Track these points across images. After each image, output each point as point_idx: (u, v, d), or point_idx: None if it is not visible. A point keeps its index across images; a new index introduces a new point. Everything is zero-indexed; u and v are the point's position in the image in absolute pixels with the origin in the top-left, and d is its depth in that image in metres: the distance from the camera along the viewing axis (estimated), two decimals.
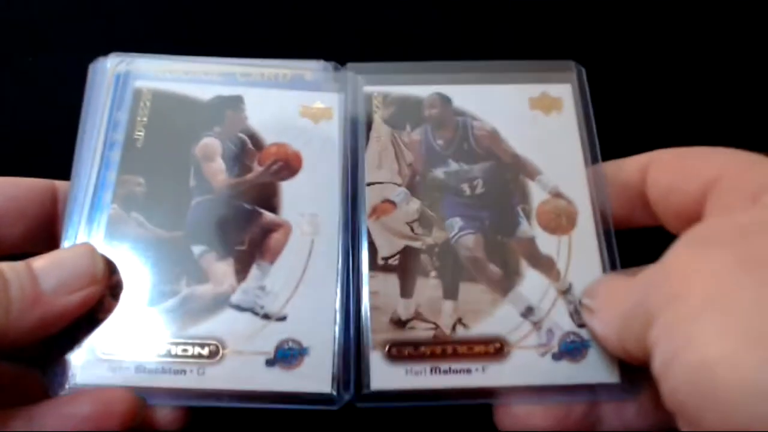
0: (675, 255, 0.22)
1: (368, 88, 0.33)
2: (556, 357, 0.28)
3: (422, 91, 0.33)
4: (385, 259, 0.30)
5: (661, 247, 0.23)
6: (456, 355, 0.28)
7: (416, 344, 0.28)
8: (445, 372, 0.28)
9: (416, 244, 0.30)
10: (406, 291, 0.29)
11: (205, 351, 0.28)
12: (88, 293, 0.27)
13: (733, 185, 0.25)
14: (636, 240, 0.30)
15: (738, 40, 0.45)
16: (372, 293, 0.29)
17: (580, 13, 0.46)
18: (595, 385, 0.28)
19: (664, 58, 0.45)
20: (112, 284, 0.29)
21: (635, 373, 0.27)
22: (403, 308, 0.29)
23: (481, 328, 0.29)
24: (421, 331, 0.29)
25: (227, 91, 0.33)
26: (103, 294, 0.28)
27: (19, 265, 0.26)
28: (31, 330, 0.25)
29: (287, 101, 0.33)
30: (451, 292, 0.29)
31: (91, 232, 0.29)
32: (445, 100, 0.33)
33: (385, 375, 0.28)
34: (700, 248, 0.22)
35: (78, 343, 0.28)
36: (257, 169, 0.32)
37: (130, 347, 0.28)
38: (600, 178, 0.31)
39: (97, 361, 0.27)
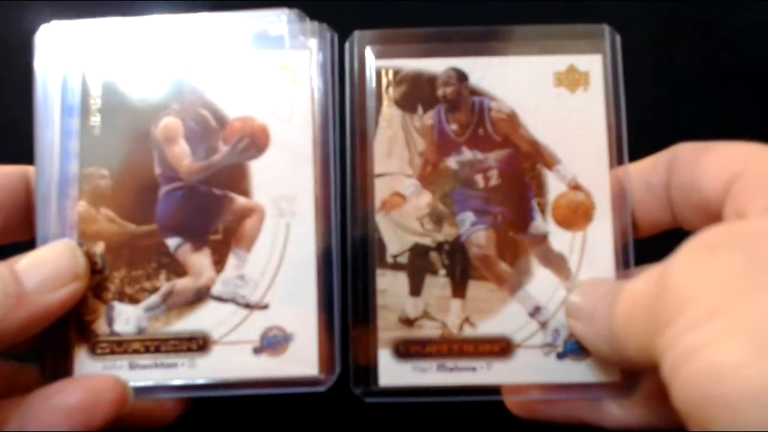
0: (680, 262, 0.22)
1: (379, 63, 0.31)
2: (560, 356, 0.29)
3: (437, 65, 0.30)
4: (394, 256, 0.30)
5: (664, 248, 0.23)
6: (462, 354, 0.29)
7: (423, 343, 0.29)
8: (451, 369, 0.29)
9: (426, 241, 0.30)
10: (414, 289, 0.30)
11: (194, 345, 0.29)
12: (72, 289, 0.27)
13: (754, 182, 0.24)
14: (644, 240, 0.29)
15: None
16: (380, 291, 0.29)
17: None
18: (597, 384, 0.29)
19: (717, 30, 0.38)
20: (94, 284, 0.29)
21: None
22: (412, 307, 0.29)
23: (487, 327, 0.29)
24: (428, 330, 0.29)
25: (181, 58, 0.30)
26: (85, 291, 0.29)
27: (1, 266, 0.26)
28: (17, 330, 0.26)
29: (248, 64, 0.30)
30: (459, 291, 0.29)
31: (64, 234, 0.29)
32: (462, 77, 0.30)
33: (393, 372, 0.29)
34: (707, 253, 0.21)
35: (71, 344, 0.29)
36: (223, 149, 0.30)
37: (121, 346, 0.29)
38: (623, 170, 0.29)
39: (92, 360, 0.29)
